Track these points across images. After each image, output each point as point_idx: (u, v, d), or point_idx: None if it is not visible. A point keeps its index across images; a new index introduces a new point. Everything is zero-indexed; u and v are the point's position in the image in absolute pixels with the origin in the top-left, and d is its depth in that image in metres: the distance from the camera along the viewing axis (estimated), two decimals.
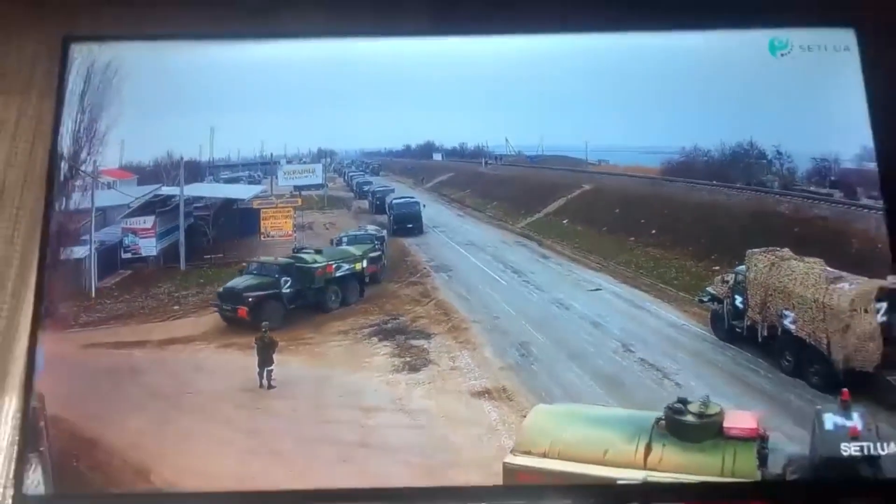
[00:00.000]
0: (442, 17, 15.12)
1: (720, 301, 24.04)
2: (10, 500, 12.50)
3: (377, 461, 14.76)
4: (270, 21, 15.78)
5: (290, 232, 39.05)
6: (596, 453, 10.15)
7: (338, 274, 29.08)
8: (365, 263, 31.91)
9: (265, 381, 19.19)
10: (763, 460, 10.38)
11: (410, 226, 46.40)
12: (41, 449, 12.89)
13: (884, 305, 16.96)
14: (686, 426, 10.25)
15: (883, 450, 10.64)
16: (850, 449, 10.44)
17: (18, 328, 16.21)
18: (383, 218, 46.85)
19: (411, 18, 15.28)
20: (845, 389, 11.71)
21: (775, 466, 12.35)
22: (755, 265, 22.60)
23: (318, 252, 31.08)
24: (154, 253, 33.43)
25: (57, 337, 15.86)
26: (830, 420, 11.02)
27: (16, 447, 12.70)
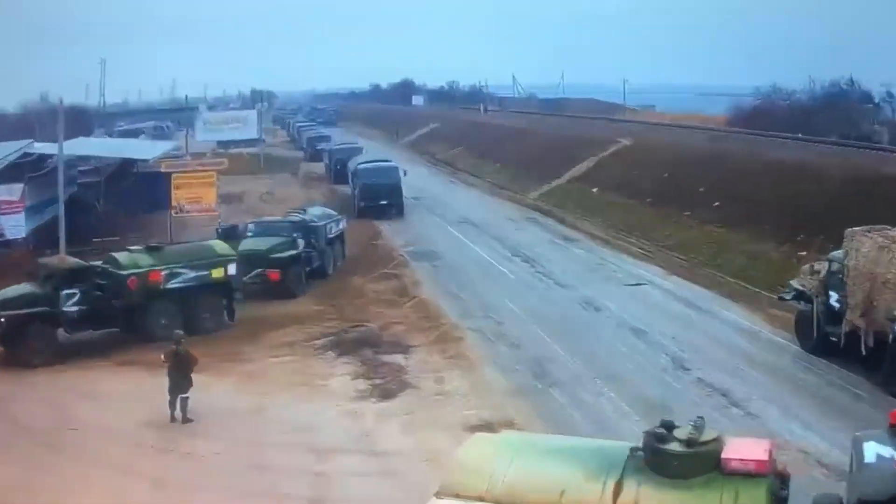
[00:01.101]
0: None
1: (808, 299, 24.04)
2: None
3: None
4: None
5: (212, 205, 39.07)
6: (549, 495, 9.45)
7: (172, 285, 25.84)
8: (232, 269, 27.04)
9: (178, 413, 19.02)
10: None
11: (385, 203, 45.66)
12: None
13: None
14: (670, 458, 9.56)
15: None
16: None
17: None
18: (346, 189, 45.05)
19: None
20: (895, 411, 11.29)
21: None
22: (857, 249, 22.38)
23: (154, 249, 27.35)
24: (23, 234, 33.27)
25: None
26: (873, 450, 10.41)
27: None
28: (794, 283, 22.76)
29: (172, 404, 18.07)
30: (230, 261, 25.47)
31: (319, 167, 64.51)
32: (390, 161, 51.40)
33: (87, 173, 39.29)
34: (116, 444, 17.03)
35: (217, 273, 25.10)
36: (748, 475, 9.11)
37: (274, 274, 28.81)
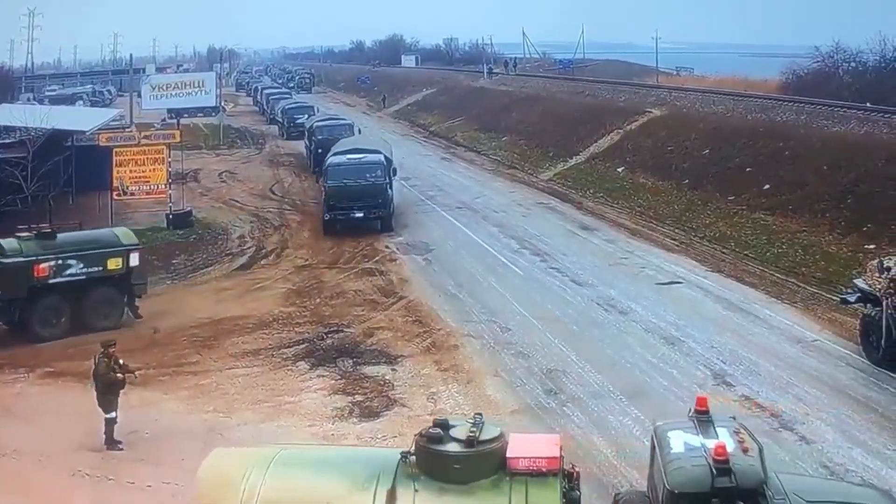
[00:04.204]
0: None
1: (876, 301, 24.03)
2: None
3: None
4: None
5: (161, 186, 38.94)
6: None
7: None
8: None
9: (115, 436, 18.85)
10: None
11: (360, 215, 40.29)
12: None
13: None
14: (448, 460, 10.14)
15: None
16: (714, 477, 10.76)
17: None
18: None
19: None
20: (702, 395, 12.27)
21: None
22: None
23: None
24: None
25: None
26: (680, 440, 11.28)
27: None
28: (860, 283, 22.74)
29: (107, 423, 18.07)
30: None
31: (295, 146, 63.82)
32: (378, 152, 44.32)
33: (11, 147, 39.13)
34: (46, 472, 17.03)
35: None
36: (537, 474, 9.60)
37: None
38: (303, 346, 24.25)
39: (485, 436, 9.74)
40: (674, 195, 41.50)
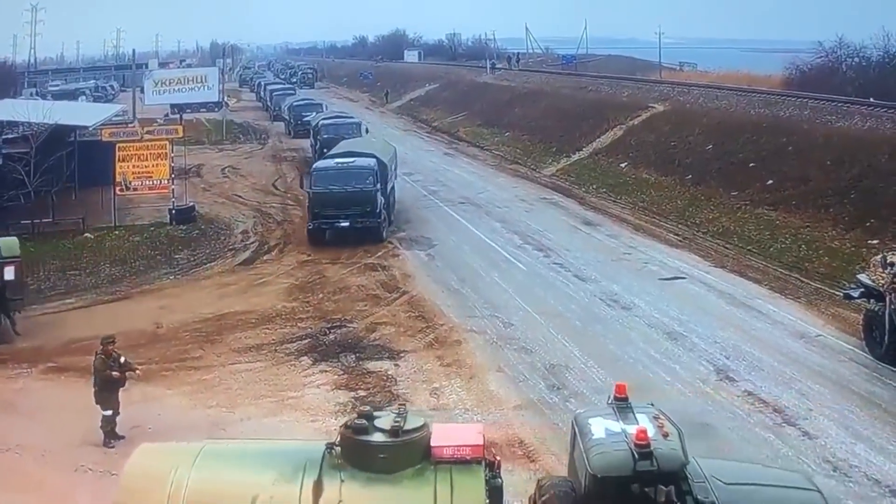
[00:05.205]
0: None
1: (879, 296, 24.02)
2: None
3: None
4: None
5: (164, 181, 38.89)
6: (238, 502, 10.14)
7: None
8: None
9: (116, 431, 18.84)
10: (496, 494, 10.62)
11: (346, 224, 37.10)
12: None
13: None
14: (374, 450, 10.28)
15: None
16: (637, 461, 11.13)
17: None
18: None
19: None
20: (622, 383, 12.52)
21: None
22: None
23: None
24: None
25: None
26: (601, 426, 11.66)
27: None
28: (863, 278, 22.70)
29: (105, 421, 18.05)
30: None
31: (299, 143, 63.39)
32: (371, 156, 40.21)
33: (14, 142, 39.13)
34: (49, 467, 17.02)
35: None
36: (461, 463, 9.89)
37: None
38: (306, 341, 24.23)
39: (409, 425, 10.01)
40: (677, 190, 41.45)
